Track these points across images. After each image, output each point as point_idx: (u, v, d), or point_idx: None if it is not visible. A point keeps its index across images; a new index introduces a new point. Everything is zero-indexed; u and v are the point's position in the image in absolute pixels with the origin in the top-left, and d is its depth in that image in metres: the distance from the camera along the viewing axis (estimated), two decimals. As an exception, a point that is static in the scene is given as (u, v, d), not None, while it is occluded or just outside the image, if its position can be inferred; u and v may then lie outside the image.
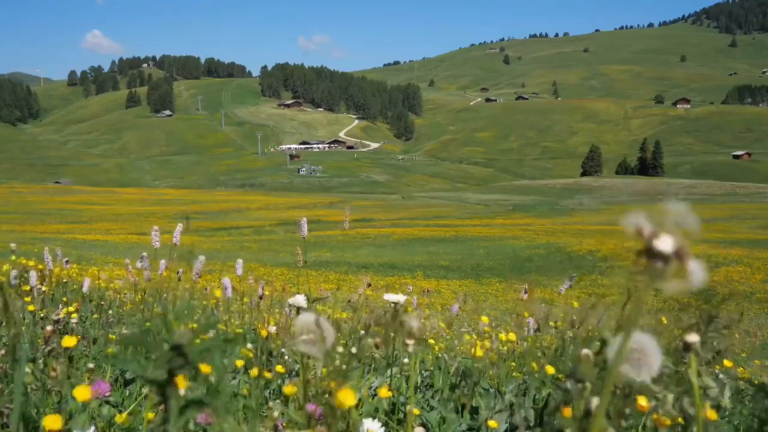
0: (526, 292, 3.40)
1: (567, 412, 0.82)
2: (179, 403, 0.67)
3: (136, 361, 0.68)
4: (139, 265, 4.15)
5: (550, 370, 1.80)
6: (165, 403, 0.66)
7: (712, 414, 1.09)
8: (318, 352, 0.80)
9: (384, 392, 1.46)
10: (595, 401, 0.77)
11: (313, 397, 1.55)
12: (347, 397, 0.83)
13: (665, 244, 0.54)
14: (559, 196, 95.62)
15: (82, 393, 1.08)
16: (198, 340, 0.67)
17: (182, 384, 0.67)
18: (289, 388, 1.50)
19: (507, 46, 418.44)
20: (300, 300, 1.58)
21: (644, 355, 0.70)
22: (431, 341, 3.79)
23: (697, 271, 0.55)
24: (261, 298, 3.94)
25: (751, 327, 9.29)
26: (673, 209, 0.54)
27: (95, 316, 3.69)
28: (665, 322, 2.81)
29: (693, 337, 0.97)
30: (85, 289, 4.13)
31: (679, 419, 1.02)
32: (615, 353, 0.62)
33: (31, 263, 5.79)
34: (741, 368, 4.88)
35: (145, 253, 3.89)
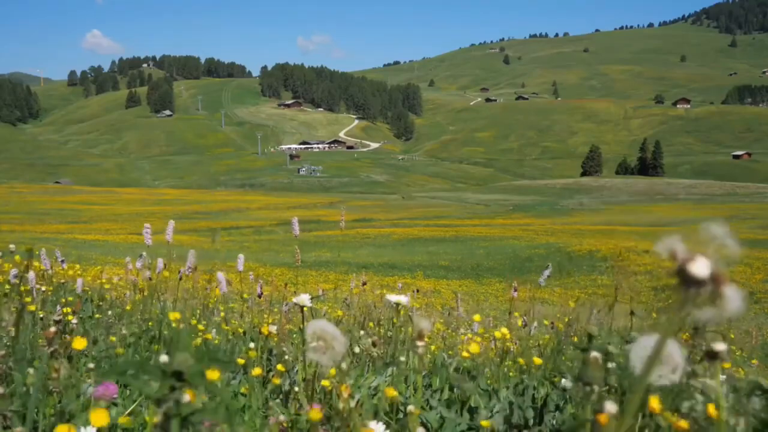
0: (516, 290, 3.43)
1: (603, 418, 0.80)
2: (181, 414, 0.67)
3: (138, 378, 0.68)
4: (139, 264, 4.16)
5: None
6: (165, 419, 0.66)
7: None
8: (328, 360, 0.79)
9: (391, 392, 1.46)
10: (609, 406, 0.76)
11: (314, 394, 1.56)
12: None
13: (701, 268, 0.50)
14: (559, 196, 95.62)
15: (99, 418, 0.95)
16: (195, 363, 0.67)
17: (189, 393, 0.66)
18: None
19: (507, 46, 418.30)
20: (305, 299, 1.59)
21: (669, 358, 0.69)
22: (427, 340, 3.79)
23: (733, 298, 0.51)
24: (260, 296, 3.95)
25: (750, 327, 9.29)
26: (711, 232, 0.51)
27: (97, 315, 3.69)
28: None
29: (720, 345, 0.91)
30: (78, 290, 4.13)
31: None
32: (648, 359, 0.58)
33: (12, 264, 5.76)
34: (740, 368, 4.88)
35: (144, 253, 3.91)
